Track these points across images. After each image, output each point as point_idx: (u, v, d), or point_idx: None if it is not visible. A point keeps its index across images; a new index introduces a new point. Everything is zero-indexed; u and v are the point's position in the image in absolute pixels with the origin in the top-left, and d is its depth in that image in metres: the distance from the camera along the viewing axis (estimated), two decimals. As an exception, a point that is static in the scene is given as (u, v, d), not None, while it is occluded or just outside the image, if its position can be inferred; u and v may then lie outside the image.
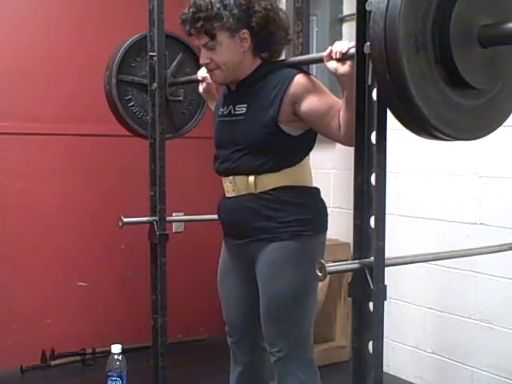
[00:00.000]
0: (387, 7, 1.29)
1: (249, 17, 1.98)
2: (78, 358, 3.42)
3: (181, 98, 2.65)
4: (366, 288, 1.50)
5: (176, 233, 3.62)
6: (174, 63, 2.69)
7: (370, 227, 1.51)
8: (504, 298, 2.76)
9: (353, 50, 1.63)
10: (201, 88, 2.38)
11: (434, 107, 1.36)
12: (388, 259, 1.53)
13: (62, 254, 3.43)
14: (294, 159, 2.03)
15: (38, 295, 3.38)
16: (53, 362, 3.35)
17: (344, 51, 1.71)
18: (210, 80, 2.26)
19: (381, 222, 1.48)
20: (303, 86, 1.95)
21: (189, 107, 2.78)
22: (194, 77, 2.49)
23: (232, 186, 2.08)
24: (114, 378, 2.40)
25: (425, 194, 3.06)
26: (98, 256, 3.51)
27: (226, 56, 2.01)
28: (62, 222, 3.43)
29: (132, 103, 2.68)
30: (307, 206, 2.05)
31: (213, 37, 1.99)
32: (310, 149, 2.08)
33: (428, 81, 1.35)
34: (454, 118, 1.42)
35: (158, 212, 2.51)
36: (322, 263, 1.49)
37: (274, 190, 2.01)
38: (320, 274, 1.49)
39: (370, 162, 1.51)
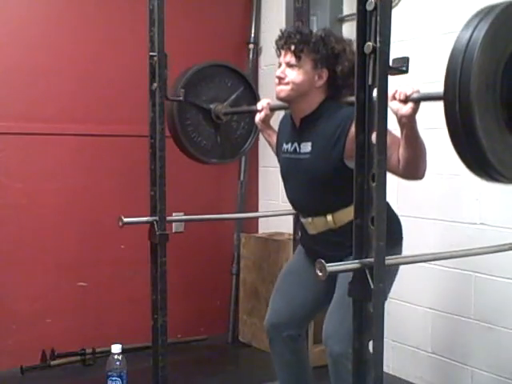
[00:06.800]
0: (468, 43, 1.40)
1: (335, 62, 2.17)
2: (78, 357, 3.41)
3: (181, 98, 2.65)
4: (366, 288, 1.50)
5: (176, 233, 3.62)
6: (234, 96, 2.87)
7: (370, 227, 1.51)
8: (504, 298, 2.76)
9: (416, 95, 1.75)
10: (257, 118, 2.55)
11: (492, 143, 1.44)
12: (388, 259, 1.53)
13: (61, 254, 3.42)
14: None
15: (38, 295, 3.37)
16: (53, 362, 3.34)
17: (408, 94, 1.77)
18: (268, 111, 2.50)
19: (381, 221, 1.48)
20: None
21: (237, 139, 2.96)
22: (252, 107, 2.67)
23: (311, 225, 2.27)
24: (114, 378, 2.41)
25: (425, 194, 3.06)
26: (97, 256, 3.51)
27: (300, 79, 2.18)
28: (62, 221, 3.43)
29: (188, 122, 2.80)
30: None
31: (298, 58, 2.17)
32: None
33: (491, 117, 1.44)
34: (509, 159, 1.50)
35: (158, 212, 2.51)
36: (322, 263, 1.49)
37: (352, 221, 2.09)
38: (320, 273, 1.49)
39: (370, 162, 1.51)
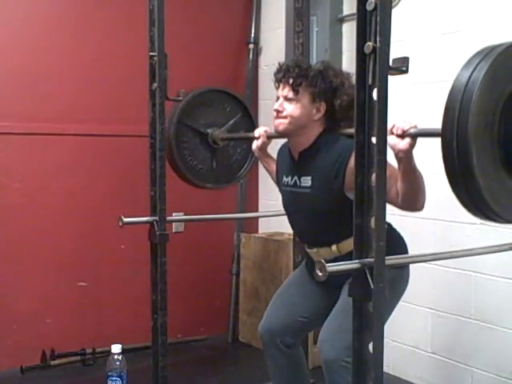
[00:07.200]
0: (467, 82, 1.40)
1: (334, 96, 2.16)
2: (78, 357, 3.42)
3: (181, 99, 2.65)
4: (366, 288, 1.50)
5: (176, 233, 3.62)
6: (232, 121, 2.88)
7: (370, 227, 1.51)
8: (504, 298, 2.76)
9: (413, 130, 1.76)
10: (254, 145, 2.54)
11: (488, 182, 1.44)
12: (388, 259, 1.53)
13: (61, 254, 3.43)
14: None
15: (38, 295, 3.38)
16: (53, 362, 3.35)
17: (405, 129, 1.78)
18: (265, 139, 2.48)
19: (381, 221, 1.48)
20: None
21: (233, 165, 2.98)
22: (249, 134, 2.68)
23: (317, 255, 2.25)
24: (114, 378, 2.40)
25: (425, 194, 3.06)
26: (97, 256, 3.51)
27: (298, 112, 2.17)
28: (62, 221, 3.43)
29: (185, 145, 2.81)
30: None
31: (296, 92, 2.16)
32: None
33: (488, 157, 1.44)
34: (505, 199, 1.50)
35: (158, 212, 2.51)
36: (323, 263, 1.49)
37: None
38: (320, 273, 1.49)
39: (370, 162, 1.51)
